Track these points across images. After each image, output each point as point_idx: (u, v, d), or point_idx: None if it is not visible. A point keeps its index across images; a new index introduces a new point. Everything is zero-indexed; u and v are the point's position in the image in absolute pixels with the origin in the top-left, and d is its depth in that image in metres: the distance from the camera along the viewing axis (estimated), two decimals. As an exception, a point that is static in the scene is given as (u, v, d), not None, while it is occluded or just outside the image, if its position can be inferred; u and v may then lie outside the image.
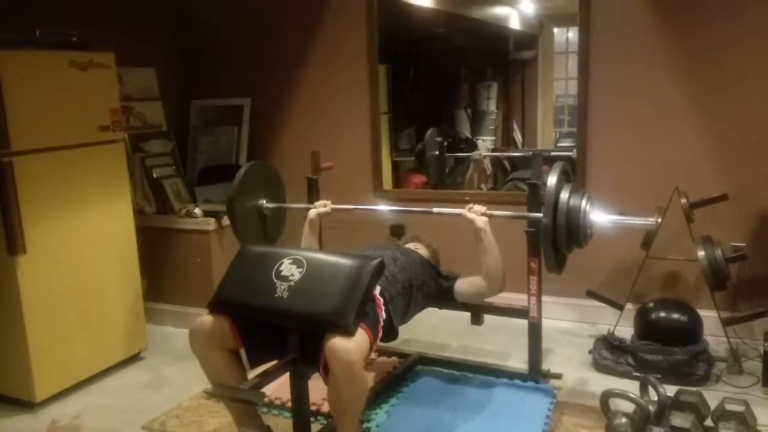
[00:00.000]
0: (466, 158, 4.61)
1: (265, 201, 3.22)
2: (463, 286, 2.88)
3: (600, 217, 2.68)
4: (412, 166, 4.59)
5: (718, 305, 3.20)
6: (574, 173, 3.71)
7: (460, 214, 2.81)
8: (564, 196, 2.59)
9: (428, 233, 3.38)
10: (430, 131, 4.52)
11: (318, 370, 2.23)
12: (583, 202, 2.62)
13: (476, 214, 2.75)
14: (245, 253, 2.44)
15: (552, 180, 2.61)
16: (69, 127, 3.14)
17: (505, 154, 4.67)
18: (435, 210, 2.92)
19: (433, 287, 2.87)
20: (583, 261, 3.71)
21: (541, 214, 2.63)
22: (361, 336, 2.19)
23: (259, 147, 4.47)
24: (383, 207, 3.26)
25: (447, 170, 4.63)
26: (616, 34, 3.56)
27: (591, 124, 3.67)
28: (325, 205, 3.07)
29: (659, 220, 2.81)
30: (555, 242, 2.62)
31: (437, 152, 4.54)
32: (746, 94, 3.36)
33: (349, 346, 2.10)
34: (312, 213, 3.06)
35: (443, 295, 2.95)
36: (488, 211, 2.77)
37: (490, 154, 4.66)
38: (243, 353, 2.31)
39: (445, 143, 4.58)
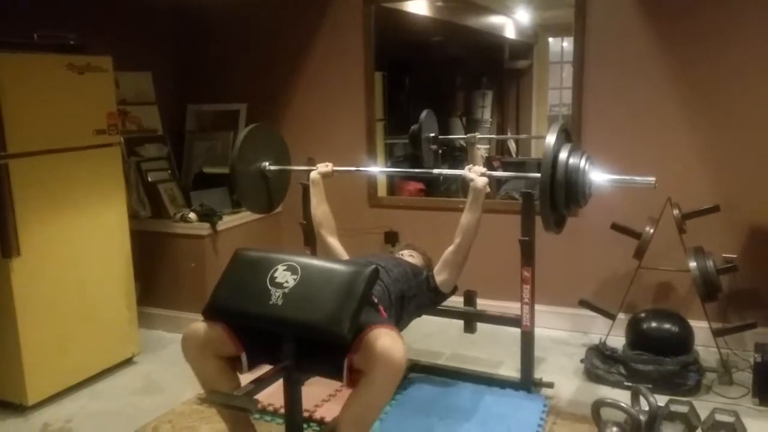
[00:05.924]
0: (461, 140, 4.59)
1: (267, 163, 3.23)
2: (440, 270, 2.86)
3: (599, 176, 2.66)
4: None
5: (709, 316, 3.22)
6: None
7: (461, 176, 2.91)
8: (563, 155, 2.58)
9: (422, 237, 3.39)
10: (426, 111, 4.40)
11: (340, 374, 2.18)
12: (582, 161, 2.60)
13: (476, 174, 2.83)
14: (240, 259, 2.41)
15: (550, 138, 2.57)
16: (65, 130, 3.14)
17: (503, 169, 4.63)
18: (435, 171, 3.21)
19: (425, 298, 2.87)
20: (576, 270, 3.76)
21: (539, 174, 2.60)
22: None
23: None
24: (379, 168, 3.38)
25: (440, 152, 4.51)
26: (611, 44, 3.58)
27: (585, 134, 3.69)
28: (327, 166, 3.19)
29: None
30: (553, 200, 2.59)
31: (433, 134, 4.44)
32: (741, 106, 3.39)
33: (402, 349, 2.05)
34: (314, 174, 3.17)
35: (436, 303, 2.96)
36: (488, 172, 2.85)
37: (486, 136, 4.68)
38: (244, 357, 2.29)
39: (440, 151, 4.57)
